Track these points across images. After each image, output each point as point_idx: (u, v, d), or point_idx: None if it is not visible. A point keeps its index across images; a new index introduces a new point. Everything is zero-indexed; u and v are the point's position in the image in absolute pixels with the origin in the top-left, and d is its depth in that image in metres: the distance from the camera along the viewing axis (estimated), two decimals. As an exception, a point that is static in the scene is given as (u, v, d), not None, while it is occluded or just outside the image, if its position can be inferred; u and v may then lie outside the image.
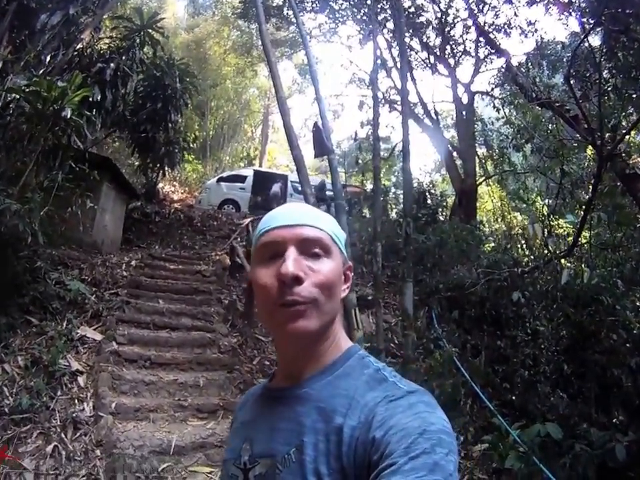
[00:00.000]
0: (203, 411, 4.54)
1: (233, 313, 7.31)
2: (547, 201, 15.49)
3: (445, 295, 8.28)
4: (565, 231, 11.25)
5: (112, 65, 7.98)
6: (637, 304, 7.43)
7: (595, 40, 12.78)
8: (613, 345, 6.22)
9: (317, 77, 6.21)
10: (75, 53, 7.87)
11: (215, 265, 9.85)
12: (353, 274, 0.94)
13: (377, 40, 12.48)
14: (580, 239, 7.66)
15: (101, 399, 4.18)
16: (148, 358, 5.14)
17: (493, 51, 11.04)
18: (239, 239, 10.09)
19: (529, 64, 12.09)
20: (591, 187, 7.67)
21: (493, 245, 12.05)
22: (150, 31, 9.94)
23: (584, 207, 7.27)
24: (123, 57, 8.45)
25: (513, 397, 6.26)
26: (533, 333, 7.27)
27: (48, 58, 7.17)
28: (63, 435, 3.59)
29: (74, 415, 3.84)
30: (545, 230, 11.61)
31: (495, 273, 8.11)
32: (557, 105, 7.50)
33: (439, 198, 14.33)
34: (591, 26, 8.41)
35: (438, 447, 0.66)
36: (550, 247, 8.01)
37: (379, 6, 13.90)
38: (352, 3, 15.10)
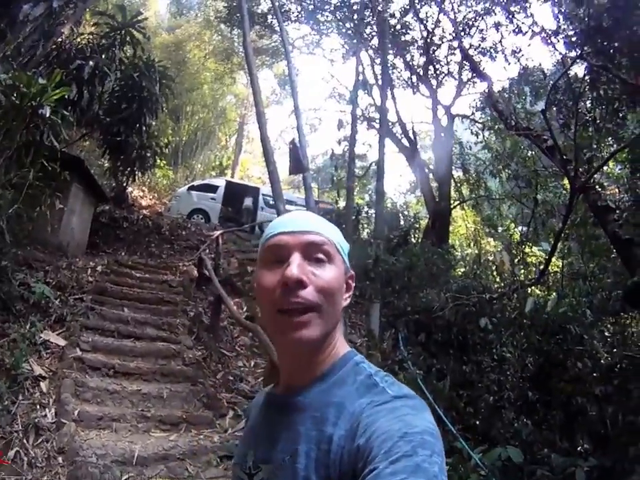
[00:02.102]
0: (166, 423, 4.62)
1: (198, 325, 7.39)
2: (520, 228, 16.14)
3: (412, 317, 8.43)
4: (537, 259, 11.77)
5: (91, 62, 8.05)
6: (605, 334, 7.80)
7: (580, 69, 13.53)
8: (579, 374, 6.48)
9: (297, 90, 6.44)
10: (54, 46, 7.91)
11: (182, 276, 9.90)
12: (354, 283, 0.96)
13: (359, 56, 12.96)
14: (550, 268, 8.05)
15: (63, 405, 4.22)
16: (112, 366, 5.19)
17: (475, 75, 11.50)
18: (207, 251, 10.17)
19: (512, 90, 12.72)
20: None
21: (463, 269, 12.42)
22: (131, 29, 10.04)
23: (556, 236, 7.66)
24: (103, 56, 8.53)
25: (477, 422, 6.44)
26: (499, 359, 7.51)
27: (27, 50, 7.20)
28: (24, 441, 3.61)
29: (36, 420, 3.86)
30: (515, 257, 12.14)
31: (464, 298, 8.32)
32: (535, 134, 7.91)
33: (412, 219, 14.64)
34: (573, 60, 9.00)
35: (420, 448, 0.67)
36: (517, 275, 8.39)
37: (365, 21, 14.40)
38: (337, 16, 15.50)
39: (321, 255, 0.87)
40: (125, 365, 5.31)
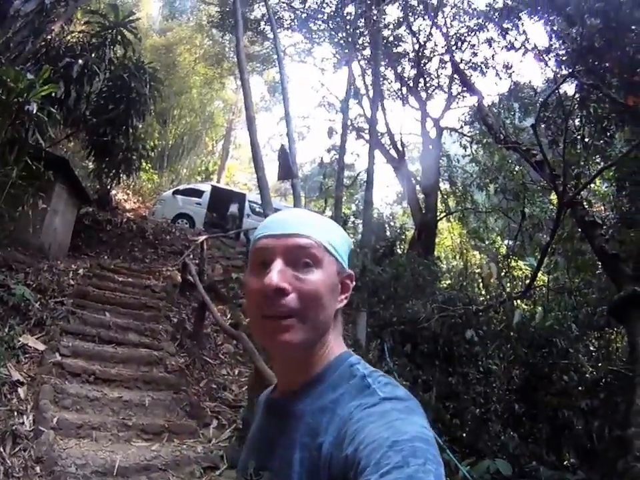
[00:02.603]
0: (148, 432, 4.49)
1: (181, 332, 7.27)
2: (506, 241, 16.29)
3: (398, 328, 8.41)
4: (523, 272, 11.85)
5: (80, 61, 7.93)
6: (590, 348, 7.86)
7: (570, 87, 13.75)
8: (564, 387, 6.50)
9: (288, 97, 6.44)
10: (43, 43, 7.78)
11: (166, 281, 9.76)
12: (354, 283, 0.94)
13: (351, 66, 13.03)
14: (535, 282, 8.10)
15: (42, 412, 4.07)
16: (92, 372, 5.04)
17: (465, 89, 11.61)
18: (191, 256, 10.03)
19: (501, 105, 12.87)
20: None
21: (449, 281, 12.47)
22: (123, 29, 9.93)
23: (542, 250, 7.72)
24: (93, 54, 8.41)
25: (463, 434, 6.43)
26: (485, 371, 7.52)
27: (16, 45, 7.07)
28: (1, 449, 3.47)
29: (13, 428, 3.71)
30: (502, 270, 12.23)
31: (450, 310, 8.34)
32: (524, 149, 7.99)
33: (398, 230, 14.67)
34: (564, 78, 9.13)
35: (411, 457, 0.63)
36: (504, 287, 8.44)
37: (358, 32, 14.51)
38: (330, 25, 15.58)
39: (306, 259, 0.84)
40: (106, 371, 5.16)
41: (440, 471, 0.64)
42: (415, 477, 0.61)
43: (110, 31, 9.46)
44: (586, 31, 7.19)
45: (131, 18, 10.26)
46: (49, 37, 8.00)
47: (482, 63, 12.62)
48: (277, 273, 0.81)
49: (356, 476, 0.66)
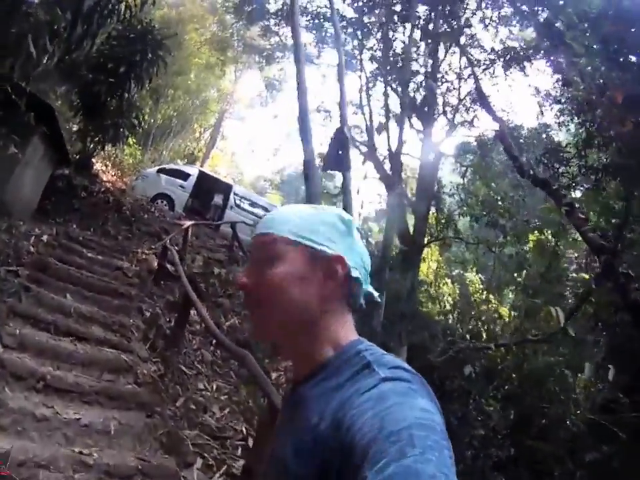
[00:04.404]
0: (114, 476, 3.11)
1: (154, 330, 5.89)
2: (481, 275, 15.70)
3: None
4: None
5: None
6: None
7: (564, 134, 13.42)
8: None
9: (344, 77, 5.21)
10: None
11: (140, 265, 8.30)
12: (341, 265, 0.84)
13: (362, 70, 12.08)
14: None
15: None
16: (42, 377, 3.61)
17: (486, 113, 10.66)
18: (169, 242, 8.51)
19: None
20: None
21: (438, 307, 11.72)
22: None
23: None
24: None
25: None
26: (482, 412, 6.95)
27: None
28: None
29: None
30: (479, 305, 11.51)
31: (448, 342, 7.69)
32: (553, 187, 7.09)
33: (378, 250, 13.69)
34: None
35: (408, 447, 0.57)
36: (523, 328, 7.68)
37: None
38: (344, 31, 14.65)
39: (269, 255, 0.84)
40: (61, 378, 3.72)
41: (442, 458, 0.57)
42: (412, 467, 0.55)
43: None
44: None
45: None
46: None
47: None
48: (244, 271, 0.88)
49: (351, 467, 0.61)
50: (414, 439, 0.57)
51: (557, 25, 10.05)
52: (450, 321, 10.02)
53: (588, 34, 8.58)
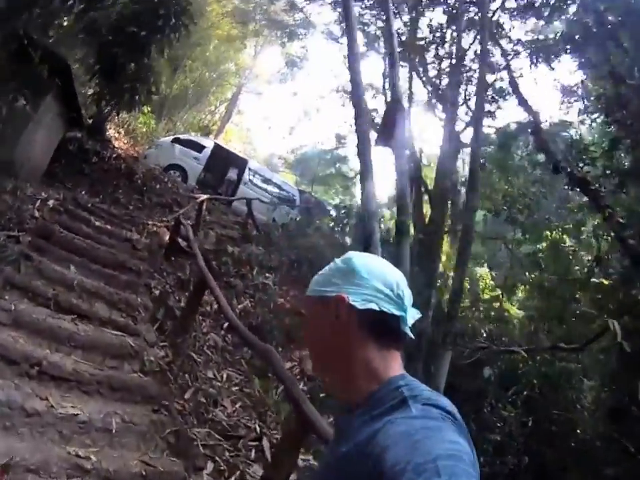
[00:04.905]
0: (115, 483, 2.64)
1: (163, 310, 5.40)
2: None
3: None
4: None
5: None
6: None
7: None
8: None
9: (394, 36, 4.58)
10: None
11: (150, 238, 7.80)
12: (341, 303, 0.88)
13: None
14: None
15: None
16: (37, 362, 3.14)
17: (519, 104, 9.91)
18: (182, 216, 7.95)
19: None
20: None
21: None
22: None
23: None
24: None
25: None
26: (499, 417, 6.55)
27: None
28: None
29: None
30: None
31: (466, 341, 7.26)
32: (593, 188, 6.51)
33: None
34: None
35: (434, 477, 0.60)
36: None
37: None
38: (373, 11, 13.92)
39: (306, 312, 1.00)
40: (58, 365, 3.23)
41: None
42: None
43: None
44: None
45: None
46: None
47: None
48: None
49: None
50: (439, 469, 0.60)
51: (586, 20, 9.39)
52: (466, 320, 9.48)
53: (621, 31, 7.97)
